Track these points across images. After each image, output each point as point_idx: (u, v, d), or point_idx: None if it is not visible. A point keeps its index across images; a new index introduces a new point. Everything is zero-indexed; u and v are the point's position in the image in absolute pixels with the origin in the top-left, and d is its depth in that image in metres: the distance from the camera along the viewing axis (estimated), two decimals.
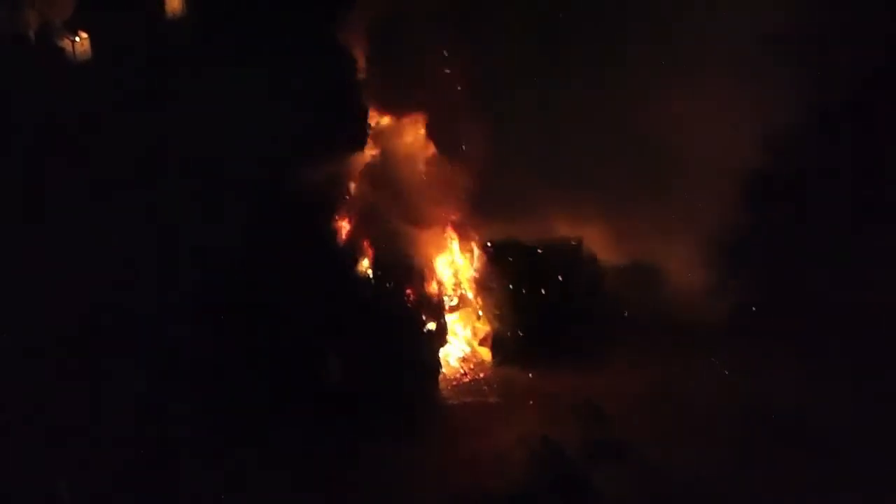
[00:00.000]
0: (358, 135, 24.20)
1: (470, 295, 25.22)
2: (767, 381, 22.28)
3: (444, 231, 24.95)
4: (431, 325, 23.54)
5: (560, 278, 24.11)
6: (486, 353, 24.55)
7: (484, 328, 24.86)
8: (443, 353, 23.91)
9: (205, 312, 22.32)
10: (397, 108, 24.23)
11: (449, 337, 24.27)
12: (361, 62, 23.86)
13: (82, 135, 23.98)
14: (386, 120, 24.57)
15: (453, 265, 25.17)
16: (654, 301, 23.12)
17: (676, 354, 23.36)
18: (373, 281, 23.28)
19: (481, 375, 24.02)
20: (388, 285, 23.15)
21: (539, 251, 24.02)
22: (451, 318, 24.68)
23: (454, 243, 25.19)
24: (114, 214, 23.16)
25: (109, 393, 21.46)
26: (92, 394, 21.43)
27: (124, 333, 22.38)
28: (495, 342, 24.43)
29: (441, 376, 23.49)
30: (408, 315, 23.07)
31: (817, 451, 20.15)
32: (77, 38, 26.56)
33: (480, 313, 25.01)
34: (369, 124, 24.35)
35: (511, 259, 24.25)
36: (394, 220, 23.61)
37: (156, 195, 23.60)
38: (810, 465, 19.76)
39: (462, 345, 24.81)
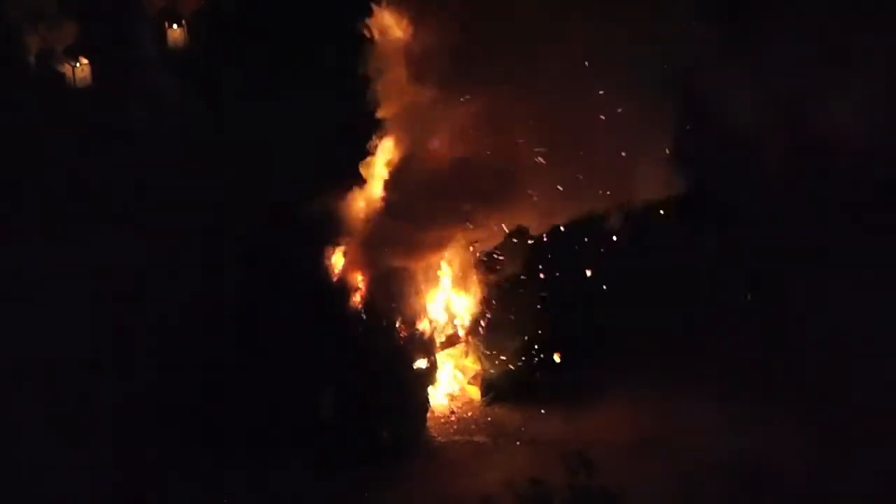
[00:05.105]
0: (357, 170, 24.22)
1: (461, 332, 25.20)
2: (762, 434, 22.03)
3: (437, 266, 24.94)
4: (422, 363, 23.51)
5: (554, 318, 24.19)
6: (474, 392, 24.49)
7: (473, 367, 24.78)
8: (431, 390, 23.78)
9: (190, 343, 22.20)
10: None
11: (438, 374, 24.15)
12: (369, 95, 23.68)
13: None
14: (385, 154, 24.53)
15: (446, 302, 25.15)
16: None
17: (669, 402, 23.20)
18: (364, 317, 23.23)
19: (469, 414, 23.92)
20: (379, 321, 23.09)
21: (532, 289, 24.17)
22: (440, 356, 24.51)
23: (447, 279, 25.19)
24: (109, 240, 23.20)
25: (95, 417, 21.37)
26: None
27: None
28: (484, 381, 24.36)
29: (429, 414, 23.42)
30: (398, 352, 23.01)
31: None
32: (77, 64, 26.72)
33: (469, 352, 24.93)
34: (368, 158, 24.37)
35: (504, 297, 24.34)
36: (388, 254, 23.57)
37: (144, 225, 23.62)
38: None
39: (451, 383, 24.75)
